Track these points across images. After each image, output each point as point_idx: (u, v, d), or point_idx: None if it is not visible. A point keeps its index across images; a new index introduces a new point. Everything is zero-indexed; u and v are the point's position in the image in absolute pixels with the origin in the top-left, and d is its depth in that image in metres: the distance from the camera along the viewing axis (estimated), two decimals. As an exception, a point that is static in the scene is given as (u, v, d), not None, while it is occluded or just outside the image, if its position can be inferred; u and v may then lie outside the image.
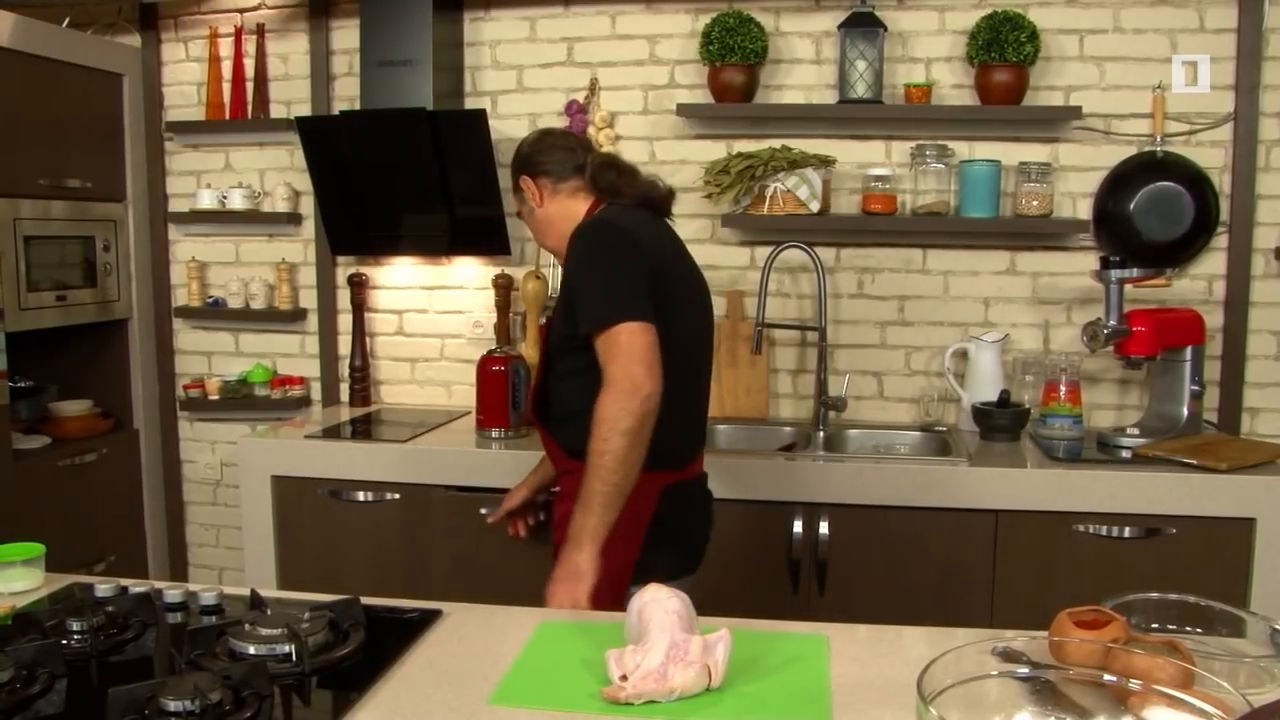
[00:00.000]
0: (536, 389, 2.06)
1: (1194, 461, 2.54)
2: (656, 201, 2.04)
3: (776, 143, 3.08)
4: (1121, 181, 2.99)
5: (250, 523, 2.95)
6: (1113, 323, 2.69)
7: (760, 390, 3.20)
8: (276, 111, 3.46)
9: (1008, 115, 2.98)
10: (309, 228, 3.48)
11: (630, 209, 1.98)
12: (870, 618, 1.74)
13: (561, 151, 2.05)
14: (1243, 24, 2.91)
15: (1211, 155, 2.97)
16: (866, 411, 3.22)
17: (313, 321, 3.52)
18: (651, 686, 1.29)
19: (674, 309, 1.88)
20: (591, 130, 3.21)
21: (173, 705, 1.22)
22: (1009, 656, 1.18)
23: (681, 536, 1.98)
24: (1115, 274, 2.69)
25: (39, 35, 3.06)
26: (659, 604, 1.40)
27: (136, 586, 1.70)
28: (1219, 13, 2.93)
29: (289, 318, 3.49)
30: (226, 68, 3.46)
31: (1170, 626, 1.44)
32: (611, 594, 1.80)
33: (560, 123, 3.25)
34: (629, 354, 1.74)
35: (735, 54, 2.99)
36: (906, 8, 3.07)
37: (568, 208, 2.02)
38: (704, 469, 2.09)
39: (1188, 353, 2.78)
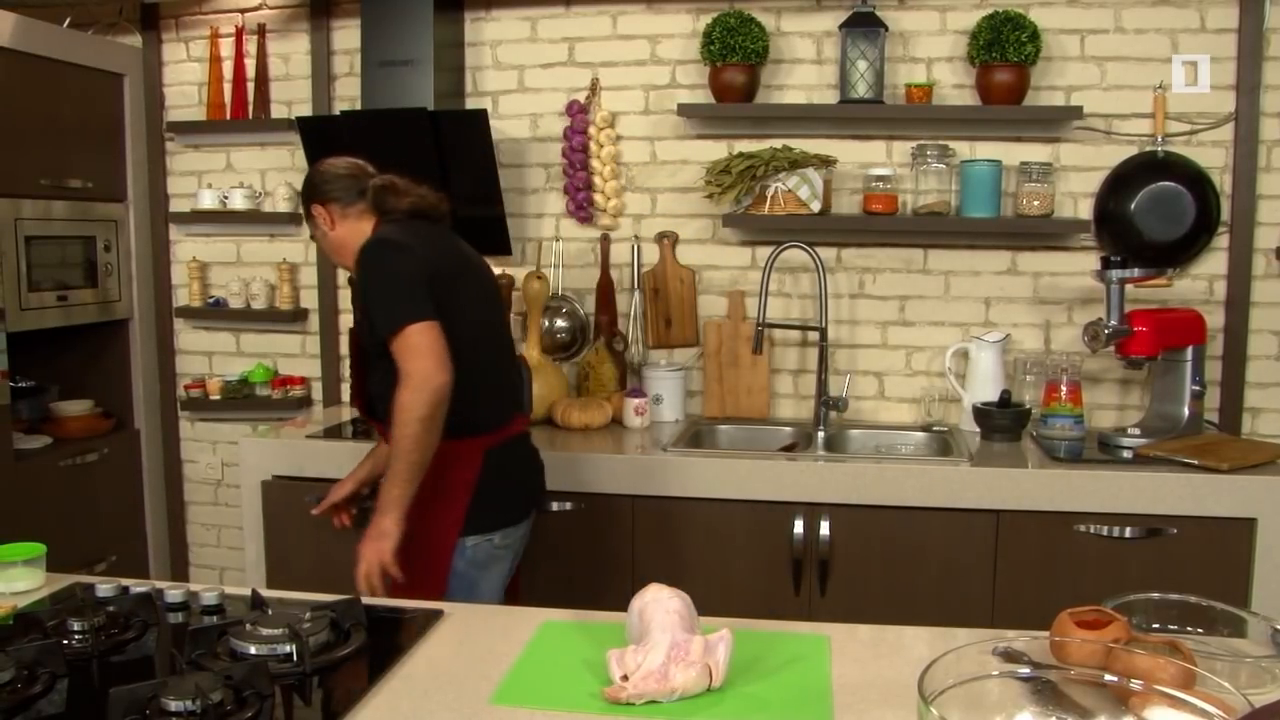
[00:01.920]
0: (358, 388, 2.31)
1: (1195, 462, 2.54)
2: (428, 211, 2.24)
3: (777, 143, 3.08)
4: (1122, 181, 2.99)
5: (251, 522, 2.94)
6: (1114, 323, 2.68)
7: (761, 390, 3.20)
8: (277, 111, 3.46)
9: (1009, 115, 2.98)
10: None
11: (406, 222, 2.19)
12: (871, 618, 1.74)
13: (346, 179, 2.25)
14: (1243, 24, 2.91)
15: (1212, 155, 2.97)
16: (867, 412, 3.22)
17: (314, 321, 3.52)
18: (653, 687, 1.29)
19: (459, 300, 2.12)
20: (592, 130, 3.22)
21: (174, 705, 1.22)
22: (1010, 657, 1.18)
23: (505, 491, 2.20)
24: (1116, 274, 2.69)
25: (40, 35, 3.06)
26: (660, 604, 1.41)
27: (137, 586, 1.70)
28: (1220, 13, 2.93)
29: (290, 318, 3.49)
30: (227, 68, 3.46)
31: (1171, 627, 1.44)
32: (439, 547, 2.11)
33: (562, 122, 3.25)
34: (418, 351, 1.99)
35: (736, 54, 2.99)
36: (907, 8, 3.07)
37: (355, 229, 2.21)
38: (526, 429, 2.33)
39: (1189, 353, 2.78)
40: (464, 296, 2.16)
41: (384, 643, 1.51)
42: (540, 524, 2.40)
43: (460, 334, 2.07)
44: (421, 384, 1.97)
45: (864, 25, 2.97)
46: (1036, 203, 2.96)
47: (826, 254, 3.14)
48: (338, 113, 3.30)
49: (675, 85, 3.21)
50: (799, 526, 2.62)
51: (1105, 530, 2.53)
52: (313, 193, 2.27)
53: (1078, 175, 3.04)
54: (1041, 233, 3.05)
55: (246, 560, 2.98)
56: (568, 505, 2.69)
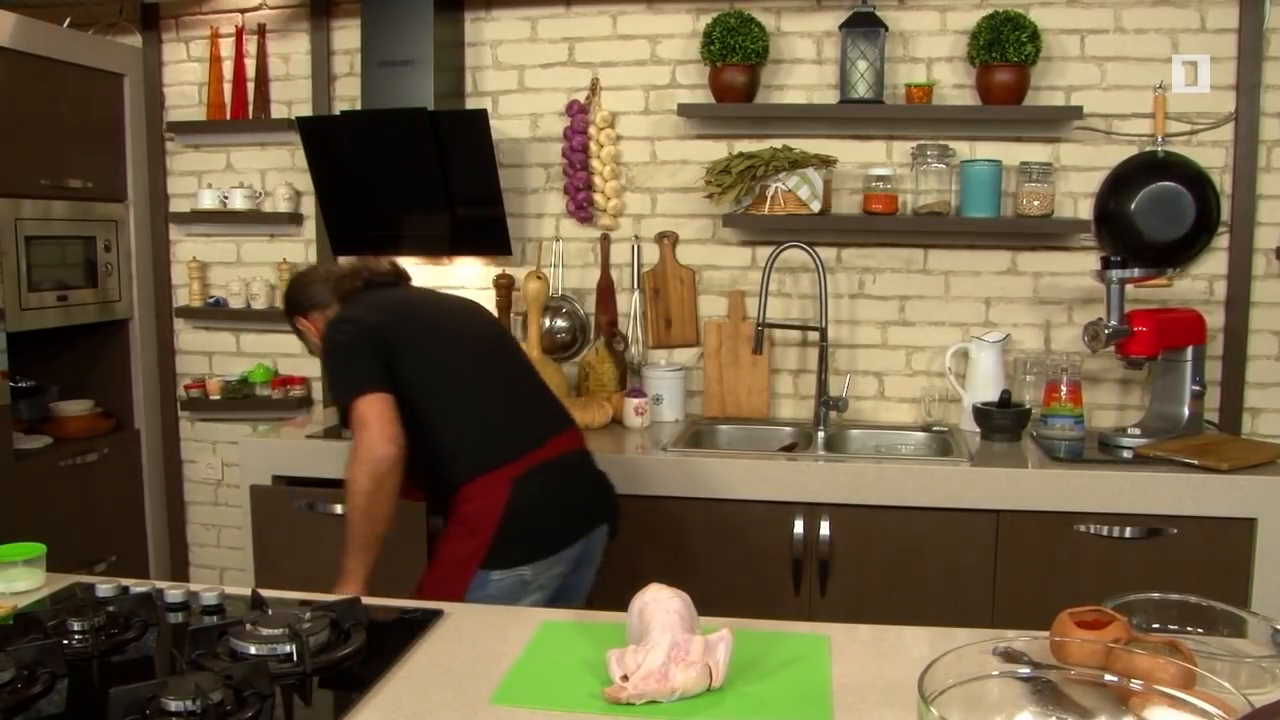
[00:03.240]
0: None
1: (1195, 462, 2.54)
2: (379, 279, 2.26)
3: (778, 143, 3.08)
4: (1122, 181, 2.99)
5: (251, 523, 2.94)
6: (1114, 323, 2.68)
7: (761, 390, 3.20)
8: (277, 111, 3.46)
9: (1009, 115, 2.98)
10: (310, 228, 3.48)
11: (357, 296, 2.22)
12: (871, 618, 1.74)
13: (317, 285, 2.32)
14: (1243, 24, 2.91)
15: (1212, 155, 2.97)
16: (867, 412, 3.22)
17: (314, 321, 3.52)
18: (653, 687, 1.29)
19: (429, 347, 2.14)
20: (592, 130, 3.22)
21: (174, 705, 1.22)
22: (1010, 657, 1.17)
23: (536, 524, 2.10)
24: (1116, 274, 2.69)
25: (40, 35, 3.06)
26: (660, 604, 1.41)
27: (138, 586, 1.70)
28: (1220, 13, 2.93)
29: (290, 318, 3.49)
30: (227, 68, 3.46)
31: (1171, 627, 1.44)
32: (452, 582, 2.02)
33: (562, 122, 3.25)
34: (362, 424, 1.99)
35: (736, 54, 2.99)
36: (907, 8, 3.07)
37: None
38: (563, 452, 2.21)
39: (1189, 353, 2.77)
40: (437, 341, 2.17)
41: (384, 643, 1.50)
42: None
43: (439, 378, 2.10)
44: (365, 458, 1.97)
45: (864, 25, 2.97)
46: (1036, 203, 2.96)
47: (826, 254, 3.14)
48: (338, 113, 3.30)
49: (675, 85, 3.21)
50: (799, 526, 2.62)
51: (1105, 530, 2.53)
52: (294, 308, 2.35)
53: (1078, 175, 3.04)
54: (1041, 233, 3.05)
55: (247, 560, 2.97)
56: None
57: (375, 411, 1.99)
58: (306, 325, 2.33)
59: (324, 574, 2.87)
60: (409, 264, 3.40)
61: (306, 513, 2.87)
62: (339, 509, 2.84)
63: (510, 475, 2.08)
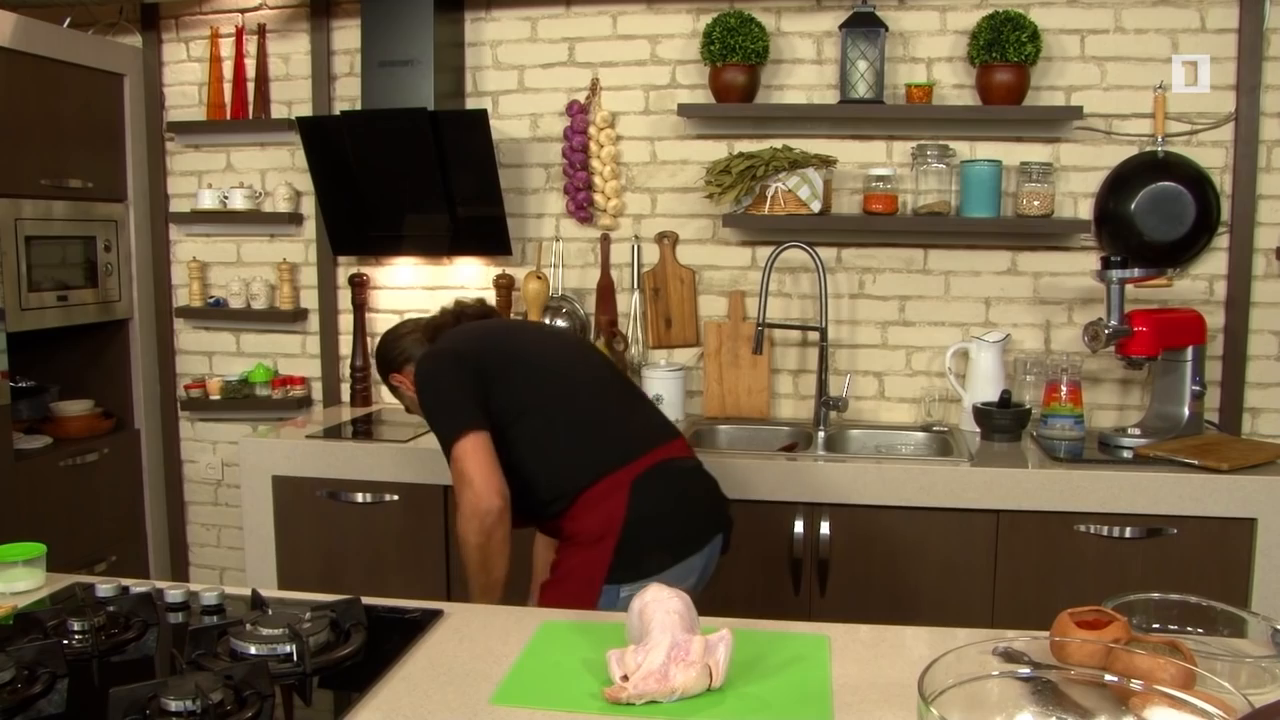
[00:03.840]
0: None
1: (1195, 462, 2.54)
2: (468, 314, 2.27)
3: (778, 143, 3.08)
4: (1122, 181, 2.99)
5: (251, 523, 2.95)
6: (1114, 323, 2.68)
7: (761, 390, 3.20)
8: (277, 111, 3.46)
9: (1009, 115, 2.98)
10: (310, 228, 3.49)
11: (447, 332, 2.20)
12: (871, 618, 1.74)
13: (407, 339, 2.27)
14: (1244, 24, 2.91)
15: (1212, 155, 2.97)
16: (867, 412, 3.22)
17: (314, 321, 3.52)
18: (653, 687, 1.29)
19: (526, 363, 2.12)
20: (592, 130, 3.22)
21: (174, 705, 1.22)
22: (1010, 657, 1.17)
23: (659, 529, 2.01)
24: (1116, 274, 2.69)
25: (40, 35, 3.06)
26: (660, 604, 1.40)
27: (138, 586, 1.70)
28: (1220, 13, 2.93)
29: (290, 318, 3.49)
30: (228, 68, 3.46)
31: (1171, 627, 1.44)
32: (578, 597, 1.95)
33: (562, 122, 3.25)
34: (464, 481, 1.94)
35: (736, 54, 2.99)
36: (908, 8, 3.07)
37: None
38: (674, 456, 2.12)
39: (1189, 353, 2.77)
40: (533, 358, 2.13)
41: (384, 643, 1.50)
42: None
43: (542, 394, 2.06)
44: (471, 513, 1.92)
45: (864, 25, 2.97)
46: (1037, 203, 2.96)
47: (826, 254, 3.14)
48: (338, 113, 3.30)
49: (675, 85, 3.21)
50: (799, 526, 2.62)
51: (1105, 530, 2.53)
52: (388, 365, 2.29)
53: (1078, 175, 3.04)
54: (1041, 233, 3.05)
55: (246, 560, 2.98)
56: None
57: (476, 463, 1.93)
58: (402, 380, 2.26)
59: (346, 563, 2.89)
60: (409, 264, 3.43)
61: (329, 500, 2.88)
62: (361, 497, 2.86)
63: (629, 478, 2.00)
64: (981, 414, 2.92)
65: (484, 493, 1.91)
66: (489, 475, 1.92)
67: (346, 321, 3.47)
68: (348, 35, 3.36)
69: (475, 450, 1.93)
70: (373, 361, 2.32)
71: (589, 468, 2.02)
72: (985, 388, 2.99)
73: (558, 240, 3.33)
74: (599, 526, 1.98)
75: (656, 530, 2.00)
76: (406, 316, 3.44)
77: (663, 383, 3.16)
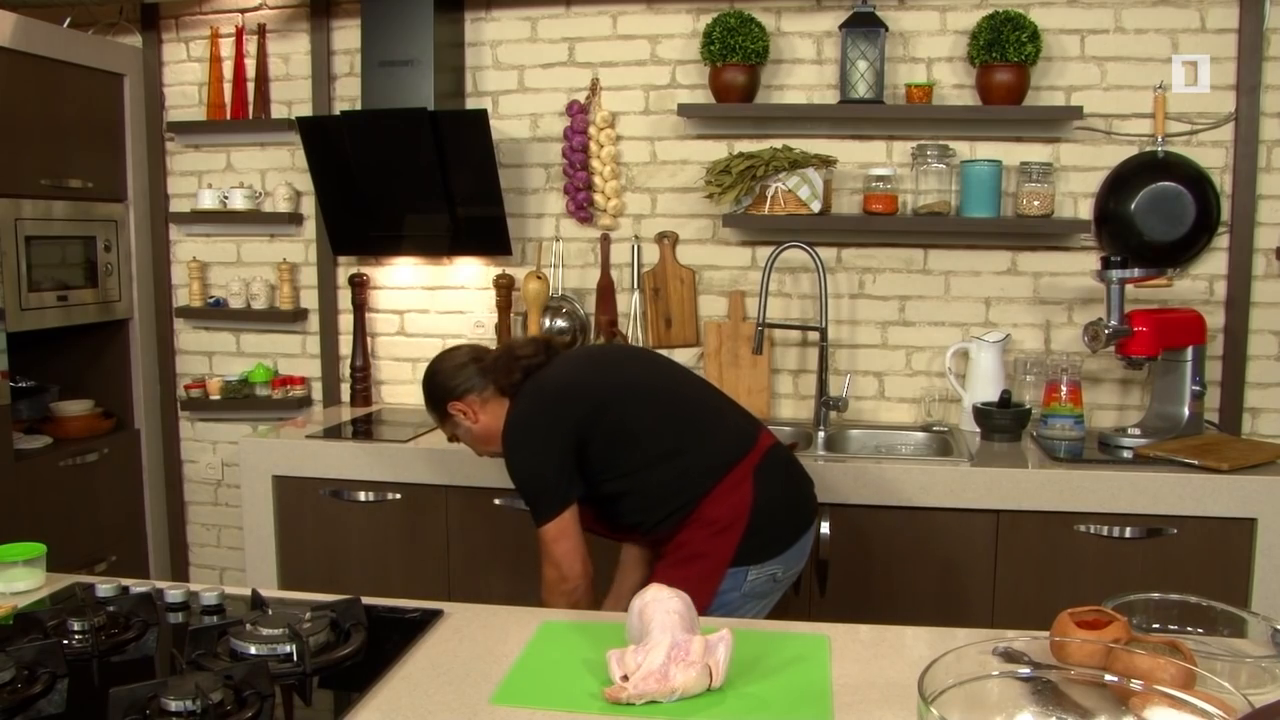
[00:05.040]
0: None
1: (1195, 462, 2.54)
2: (533, 364, 2.18)
3: (778, 143, 3.08)
4: (1122, 181, 2.99)
5: (251, 523, 2.95)
6: (1114, 323, 2.68)
7: (761, 390, 3.20)
8: (277, 111, 3.46)
9: (1009, 115, 2.98)
10: (310, 228, 3.49)
11: (536, 384, 2.14)
12: (871, 618, 1.74)
13: (469, 367, 2.22)
14: (1243, 24, 2.91)
15: (1212, 155, 2.97)
16: (868, 412, 3.22)
17: (314, 321, 3.52)
18: (653, 687, 1.29)
19: (620, 391, 2.14)
20: (592, 130, 3.22)
21: (174, 705, 1.22)
22: (1010, 657, 1.17)
23: (780, 513, 2.13)
24: (1116, 274, 2.69)
25: (40, 35, 3.06)
26: (660, 604, 1.41)
27: (138, 586, 1.70)
28: (1220, 13, 2.93)
29: (290, 318, 3.49)
30: (228, 68, 3.46)
31: (1171, 627, 1.44)
32: (703, 581, 2.01)
33: (562, 122, 3.25)
34: (550, 558, 2.02)
35: (736, 54, 2.99)
36: (908, 8, 3.07)
37: (497, 414, 2.17)
38: (775, 444, 2.23)
39: (1189, 353, 2.77)
40: (636, 391, 2.16)
41: (384, 643, 1.51)
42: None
43: (648, 414, 2.11)
44: (556, 593, 2.02)
45: (864, 25, 2.97)
46: (1037, 203, 2.96)
47: (826, 254, 3.14)
48: (338, 113, 3.30)
49: (675, 85, 3.21)
50: (799, 526, 2.62)
51: (1105, 530, 2.53)
52: (446, 395, 2.22)
53: (1078, 175, 3.04)
54: (1041, 233, 3.05)
55: (246, 560, 2.98)
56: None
57: (564, 549, 2.01)
58: (462, 409, 2.20)
59: (347, 563, 2.90)
60: (409, 264, 3.43)
61: (330, 500, 2.89)
62: (362, 496, 2.87)
63: (750, 468, 2.10)
64: (981, 414, 2.92)
65: (569, 575, 2.02)
66: (574, 559, 2.02)
67: (346, 321, 3.47)
68: (348, 35, 3.36)
69: (563, 534, 2.02)
70: (422, 390, 2.27)
71: (711, 471, 2.09)
72: (985, 388, 2.99)
73: (558, 240, 3.33)
74: (728, 516, 2.06)
75: (778, 513, 2.12)
76: (408, 316, 3.45)
77: (663, 383, 3.15)
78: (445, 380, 2.22)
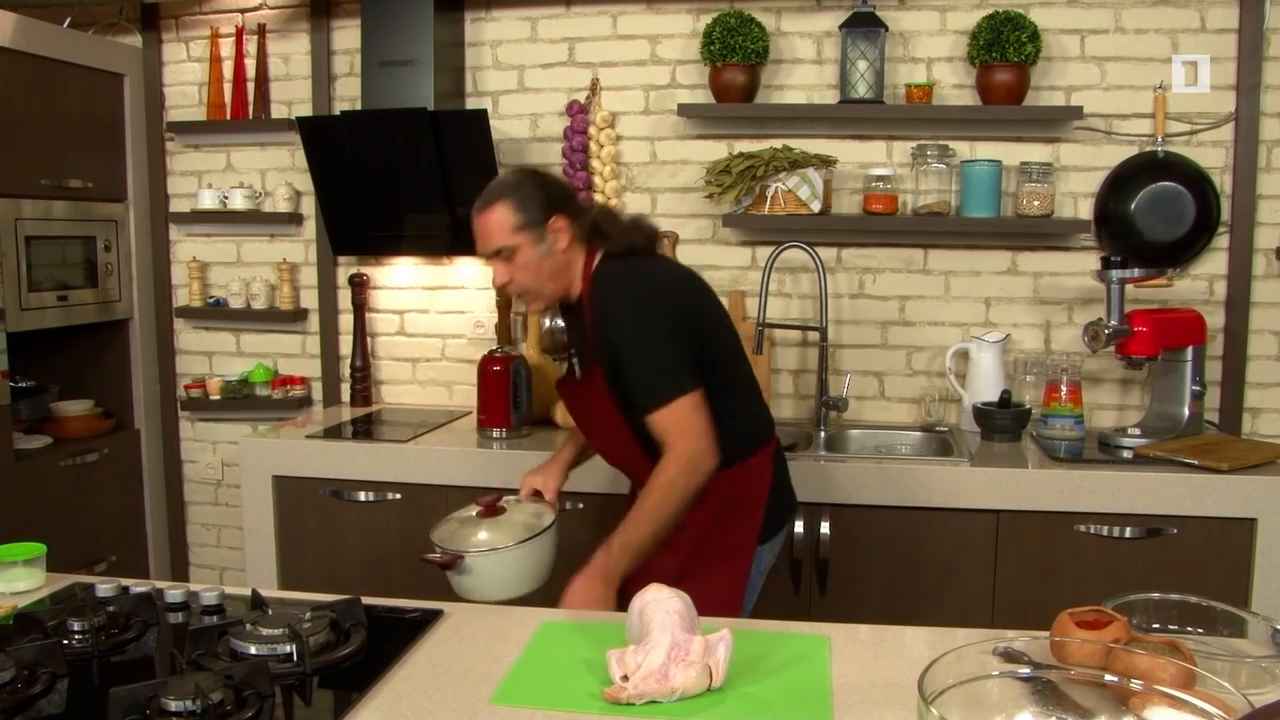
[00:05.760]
0: (622, 448, 2.03)
1: (1195, 462, 2.54)
2: (644, 244, 2.02)
3: (778, 143, 3.08)
4: (1122, 181, 2.99)
5: (251, 523, 2.95)
6: (1114, 323, 2.68)
7: (761, 390, 3.19)
8: (277, 111, 3.46)
9: (1009, 115, 2.98)
10: (310, 228, 3.49)
11: (640, 260, 1.98)
12: (871, 618, 1.75)
13: (576, 196, 2.02)
14: (1244, 24, 2.91)
15: (1213, 155, 2.97)
16: (868, 412, 3.22)
17: (314, 321, 3.52)
18: (653, 687, 1.29)
19: (713, 324, 2.04)
20: (592, 130, 3.21)
21: (174, 705, 1.22)
22: (1010, 657, 1.18)
23: (782, 499, 2.16)
24: (1116, 274, 2.69)
25: (40, 35, 3.06)
26: (660, 604, 1.40)
27: (138, 586, 1.70)
28: (1220, 13, 2.93)
29: (290, 318, 3.49)
30: (228, 68, 3.46)
31: (1171, 627, 1.44)
32: (741, 560, 2.03)
33: (562, 122, 3.25)
34: (690, 432, 1.86)
35: (736, 54, 2.99)
36: (908, 8, 3.07)
37: (578, 256, 1.97)
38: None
39: (1189, 353, 2.77)
40: (713, 318, 2.05)
41: (384, 643, 1.51)
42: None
43: (727, 350, 2.05)
44: (693, 467, 1.86)
45: (864, 25, 2.97)
46: (1037, 203, 2.96)
47: (826, 254, 3.14)
48: (338, 113, 3.30)
49: (675, 85, 3.21)
50: (799, 526, 2.62)
51: (1105, 530, 2.53)
52: (557, 204, 1.92)
53: (1078, 175, 3.04)
54: (1041, 233, 3.05)
55: (246, 560, 2.98)
56: (568, 505, 2.69)
57: (701, 415, 1.87)
58: (563, 227, 1.91)
59: (347, 563, 2.89)
60: (409, 264, 3.43)
61: (330, 500, 2.88)
62: (362, 496, 2.86)
63: (773, 448, 2.14)
64: (981, 414, 2.92)
65: (711, 449, 1.88)
66: (711, 430, 1.89)
67: (346, 321, 3.47)
68: (348, 35, 3.36)
69: (698, 408, 1.87)
70: (509, 190, 1.92)
71: (760, 435, 2.11)
72: (985, 388, 2.99)
73: (558, 240, 3.33)
74: (752, 494, 2.06)
75: (783, 495, 2.16)
76: (408, 316, 3.45)
77: (663, 383, 3.15)
78: (559, 190, 1.96)
